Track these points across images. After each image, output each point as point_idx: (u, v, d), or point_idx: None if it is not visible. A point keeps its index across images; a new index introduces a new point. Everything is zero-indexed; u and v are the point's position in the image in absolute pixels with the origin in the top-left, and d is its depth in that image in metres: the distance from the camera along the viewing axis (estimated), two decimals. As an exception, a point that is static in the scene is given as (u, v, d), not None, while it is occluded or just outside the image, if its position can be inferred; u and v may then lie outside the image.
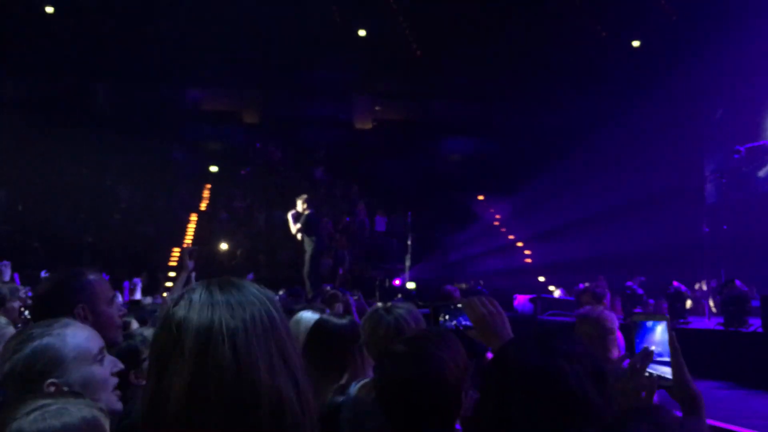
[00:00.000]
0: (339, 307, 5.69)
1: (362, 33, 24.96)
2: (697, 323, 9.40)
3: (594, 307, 4.38)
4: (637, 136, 19.05)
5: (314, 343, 3.03)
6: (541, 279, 18.92)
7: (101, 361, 1.95)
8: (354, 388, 2.64)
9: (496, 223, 23.11)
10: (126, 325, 3.79)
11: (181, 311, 1.29)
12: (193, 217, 21.88)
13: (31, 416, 1.44)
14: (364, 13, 24.80)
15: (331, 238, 19.24)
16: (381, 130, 26.68)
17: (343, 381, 2.83)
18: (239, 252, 19.88)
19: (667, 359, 1.72)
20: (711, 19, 17.28)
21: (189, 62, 23.86)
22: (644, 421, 1.15)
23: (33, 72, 23.59)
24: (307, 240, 12.39)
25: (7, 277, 5.98)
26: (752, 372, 7.29)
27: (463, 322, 2.29)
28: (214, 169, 24.58)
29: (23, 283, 8.24)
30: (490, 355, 2.20)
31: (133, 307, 6.23)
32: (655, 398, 1.78)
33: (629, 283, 10.21)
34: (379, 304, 3.17)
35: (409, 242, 17.15)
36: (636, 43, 23.02)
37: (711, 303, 11.60)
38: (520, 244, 21.75)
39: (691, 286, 12.83)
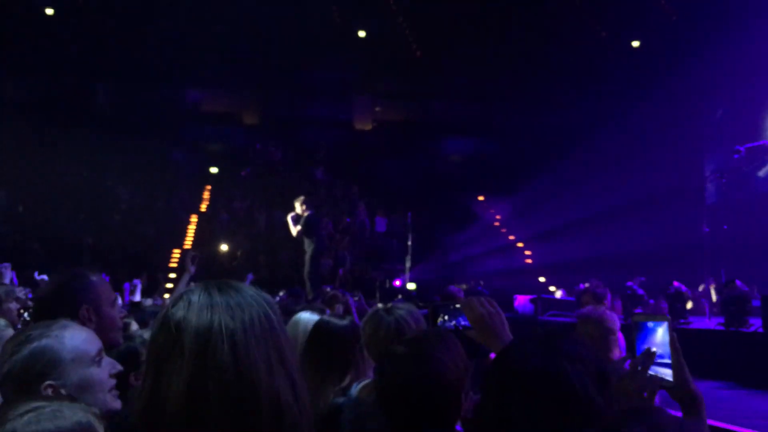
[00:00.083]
0: (339, 308, 5.69)
1: (362, 34, 24.97)
2: (697, 323, 9.40)
3: (595, 307, 4.38)
4: (637, 137, 19.06)
5: (315, 344, 3.03)
6: (542, 279, 18.91)
7: (99, 363, 1.95)
8: (355, 389, 2.64)
9: (497, 224, 23.11)
10: (126, 327, 3.79)
11: (179, 312, 1.29)
12: (194, 218, 21.88)
13: (25, 418, 1.43)
14: (363, 13, 24.81)
15: (331, 238, 19.24)
16: (381, 130, 26.68)
17: (344, 383, 2.83)
18: (239, 253, 19.88)
19: (668, 360, 1.71)
20: (710, 19, 17.28)
21: (189, 63, 23.88)
22: (641, 422, 1.15)
23: (33, 73, 23.60)
24: (307, 241, 12.39)
25: (7, 279, 5.97)
26: (753, 372, 7.29)
27: (463, 323, 2.28)
28: (214, 170, 24.58)
29: (23, 285, 8.24)
30: (493, 356, 2.20)
31: (134, 308, 6.23)
32: (657, 399, 1.78)
33: (630, 284, 10.20)
34: (380, 305, 3.17)
35: (409, 243, 17.15)
36: (636, 44, 23.03)
37: (713, 295, 11.58)
38: (520, 244, 21.75)
39: (691, 286, 12.82)
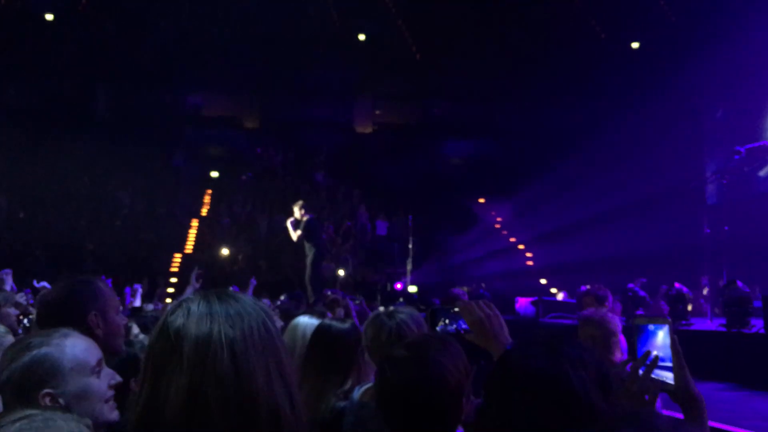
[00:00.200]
0: (340, 311, 5.69)
1: (362, 36, 25.00)
2: (699, 325, 9.38)
3: (596, 309, 4.38)
4: (637, 138, 19.05)
5: (317, 347, 3.03)
6: (543, 281, 18.89)
7: (99, 373, 1.94)
8: (357, 393, 2.64)
9: (498, 226, 23.11)
10: (127, 330, 3.78)
11: (178, 320, 1.29)
12: (194, 223, 21.89)
13: (17, 425, 1.43)
14: (363, 16, 24.84)
15: (332, 242, 19.24)
16: (381, 133, 26.69)
17: (346, 386, 2.83)
18: (240, 257, 19.88)
19: (669, 363, 1.71)
20: (710, 20, 17.29)
21: (189, 67, 23.90)
22: (635, 425, 1.14)
23: (34, 78, 23.62)
24: (307, 245, 12.39)
25: (8, 286, 5.98)
26: (755, 373, 7.27)
27: (464, 326, 2.28)
28: (214, 174, 24.60)
29: (22, 291, 8.24)
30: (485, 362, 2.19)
31: (134, 313, 6.23)
32: (658, 402, 1.77)
33: (631, 285, 10.18)
34: (381, 308, 3.16)
35: (410, 246, 17.13)
36: (635, 45, 23.04)
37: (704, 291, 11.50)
38: (521, 246, 21.74)
39: (692, 288, 12.80)
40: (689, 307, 10.04)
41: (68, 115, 23.25)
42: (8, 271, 6.27)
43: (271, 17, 23.41)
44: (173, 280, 18.22)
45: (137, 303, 7.48)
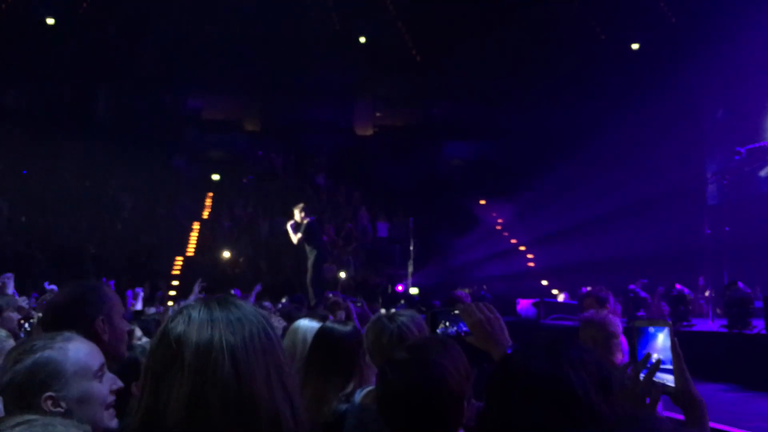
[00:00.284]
0: (341, 314, 5.69)
1: (362, 39, 25.02)
2: (700, 326, 9.37)
3: (597, 311, 4.38)
4: (638, 138, 19.05)
5: (318, 350, 3.03)
6: (544, 282, 18.88)
7: (101, 378, 1.94)
8: (358, 396, 2.64)
9: (499, 227, 23.10)
10: (129, 334, 3.78)
11: (180, 326, 1.30)
12: (196, 225, 21.89)
13: (16, 430, 1.44)
14: (363, 18, 24.86)
15: (333, 244, 19.23)
16: (382, 135, 26.70)
17: (348, 389, 2.83)
18: (242, 259, 19.88)
19: (669, 366, 1.71)
20: (710, 21, 17.30)
21: (189, 70, 23.94)
22: (635, 428, 1.15)
23: (34, 82, 23.67)
24: (308, 248, 12.39)
25: (10, 290, 5.98)
26: (756, 374, 7.27)
27: (464, 329, 2.27)
28: (215, 176, 24.61)
29: (25, 294, 8.25)
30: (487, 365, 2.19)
31: (136, 317, 6.23)
32: (660, 405, 1.77)
33: (632, 287, 10.18)
34: (383, 311, 3.16)
35: (411, 248, 17.12)
36: (635, 46, 23.05)
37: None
38: (522, 248, 21.73)
39: (693, 289, 12.80)
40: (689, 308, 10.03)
41: (69, 118, 23.27)
42: (9, 275, 6.26)
43: (271, 19, 23.44)
44: (175, 282, 18.23)
45: (138, 306, 7.48)
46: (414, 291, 16.31)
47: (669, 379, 1.71)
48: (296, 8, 23.80)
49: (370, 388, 2.61)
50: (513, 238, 22.23)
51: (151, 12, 23.16)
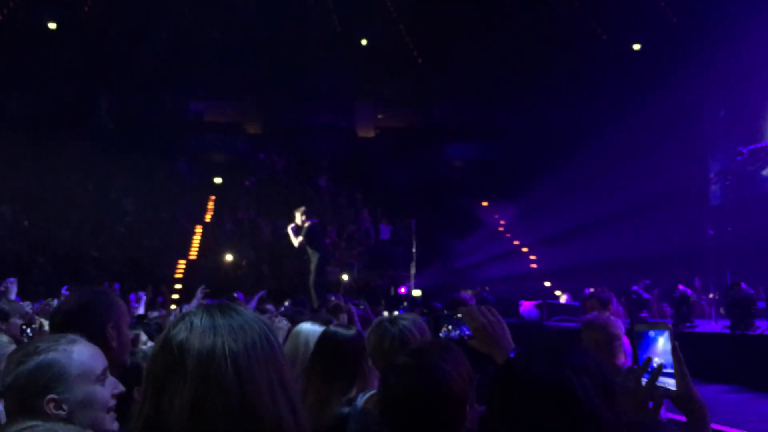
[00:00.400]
0: (344, 317, 5.69)
1: (363, 41, 25.05)
2: (703, 327, 9.36)
3: (599, 313, 4.37)
4: (640, 139, 19.04)
5: (322, 354, 3.03)
6: (547, 284, 18.86)
7: (103, 381, 1.94)
8: (361, 400, 2.64)
9: (501, 229, 23.08)
10: (135, 339, 3.78)
11: (181, 333, 1.30)
12: (198, 229, 21.91)
13: None
14: (364, 20, 24.88)
15: (335, 246, 19.23)
16: (383, 137, 26.72)
17: (351, 393, 2.83)
18: (244, 263, 19.89)
19: (670, 370, 1.71)
20: (711, 21, 17.28)
21: (191, 74, 23.98)
22: None
23: (36, 87, 23.71)
24: (310, 251, 12.40)
25: (13, 295, 5.99)
26: (760, 375, 7.25)
27: (467, 332, 2.27)
28: (218, 180, 24.63)
29: (30, 299, 8.25)
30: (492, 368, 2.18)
31: (140, 321, 6.23)
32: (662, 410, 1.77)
33: (635, 288, 10.16)
34: (386, 313, 3.17)
35: (413, 249, 17.12)
36: (637, 46, 23.04)
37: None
38: (525, 249, 21.71)
39: (695, 290, 12.78)
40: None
41: (71, 122, 23.33)
42: (13, 279, 6.27)
43: (271, 22, 23.47)
44: (178, 286, 18.24)
45: (141, 310, 7.49)
46: (417, 293, 16.30)
47: (670, 383, 1.71)
48: (297, 10, 23.84)
49: (372, 392, 2.61)
50: (516, 240, 22.22)
51: (152, 16, 23.20)
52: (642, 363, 1.75)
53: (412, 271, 17.28)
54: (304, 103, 25.78)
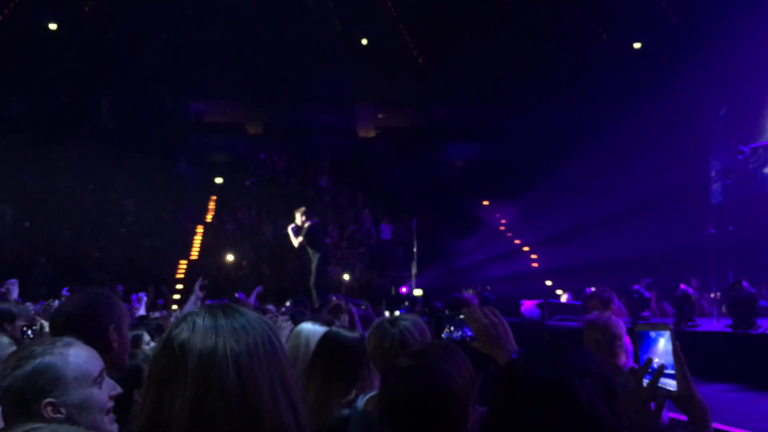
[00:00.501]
0: (345, 317, 5.68)
1: (363, 41, 25.05)
2: (705, 326, 9.35)
3: (600, 313, 4.36)
4: (641, 138, 19.02)
5: (323, 355, 3.03)
6: (548, 283, 18.85)
7: (100, 384, 1.94)
8: (361, 401, 2.64)
9: (502, 228, 23.08)
10: (137, 339, 3.78)
11: (183, 334, 1.30)
12: (199, 229, 21.92)
13: None
14: (364, 20, 24.88)
15: (336, 246, 19.24)
16: (384, 137, 26.73)
17: (351, 395, 2.83)
18: (245, 263, 19.89)
19: (671, 371, 1.71)
20: (712, 19, 17.26)
21: (191, 74, 23.98)
22: None
23: (36, 88, 23.73)
24: (311, 251, 12.40)
25: (14, 296, 5.99)
26: (761, 374, 7.24)
27: (469, 333, 2.26)
28: (219, 180, 24.65)
29: (31, 300, 8.26)
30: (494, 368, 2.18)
31: (141, 321, 6.22)
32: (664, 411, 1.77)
33: (636, 287, 10.15)
34: (387, 313, 3.16)
35: (414, 249, 17.11)
36: (637, 45, 23.02)
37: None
38: (526, 248, 21.70)
39: (697, 289, 12.75)
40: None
41: (71, 123, 23.35)
42: (14, 281, 6.27)
43: (272, 22, 23.48)
44: (179, 286, 18.24)
45: (142, 311, 7.48)
46: (418, 293, 16.29)
47: (671, 384, 1.70)
48: (297, 11, 23.84)
49: (372, 393, 2.61)
50: (517, 239, 22.22)
51: (153, 16, 23.20)
52: (643, 364, 1.74)
53: (413, 270, 17.27)
54: (305, 103, 25.78)
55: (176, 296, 16.92)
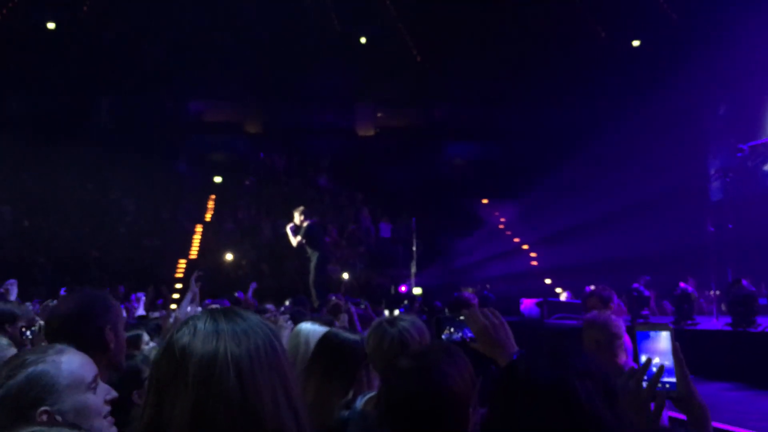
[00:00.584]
0: (344, 317, 5.68)
1: (363, 40, 25.04)
2: (705, 324, 9.34)
3: (600, 312, 4.36)
4: (640, 137, 19.03)
5: (323, 356, 3.03)
6: (548, 281, 18.86)
7: (95, 389, 1.93)
8: (360, 402, 2.63)
9: (501, 226, 23.09)
10: (137, 340, 3.78)
11: (184, 338, 1.30)
12: (199, 228, 21.92)
13: None
14: (363, 20, 24.87)
15: (335, 245, 19.23)
16: (383, 136, 26.72)
17: (349, 396, 2.82)
18: (244, 262, 19.89)
19: (671, 375, 1.70)
20: (710, 17, 17.27)
21: (190, 74, 23.97)
22: None
23: (35, 87, 23.71)
24: (310, 250, 12.41)
25: (14, 296, 5.99)
26: (761, 372, 7.23)
27: (469, 334, 2.26)
28: (218, 179, 24.64)
29: (30, 300, 8.26)
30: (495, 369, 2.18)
31: (141, 321, 6.22)
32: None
33: (636, 285, 10.14)
34: (386, 312, 3.16)
35: (414, 248, 17.12)
36: (636, 43, 23.01)
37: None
38: (525, 247, 21.71)
39: (696, 287, 12.75)
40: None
41: (71, 123, 23.34)
42: (13, 281, 6.28)
43: (271, 21, 23.46)
44: (178, 286, 18.24)
45: (141, 311, 7.49)
46: (417, 291, 16.30)
47: (671, 384, 1.70)
48: (296, 10, 23.82)
49: (371, 394, 2.60)
50: (516, 237, 22.22)
51: (152, 16, 23.18)
52: (642, 364, 1.74)
53: (413, 269, 17.27)
54: (304, 102, 25.77)
55: (175, 295, 16.93)
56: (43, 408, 1.80)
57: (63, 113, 23.71)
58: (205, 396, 1.24)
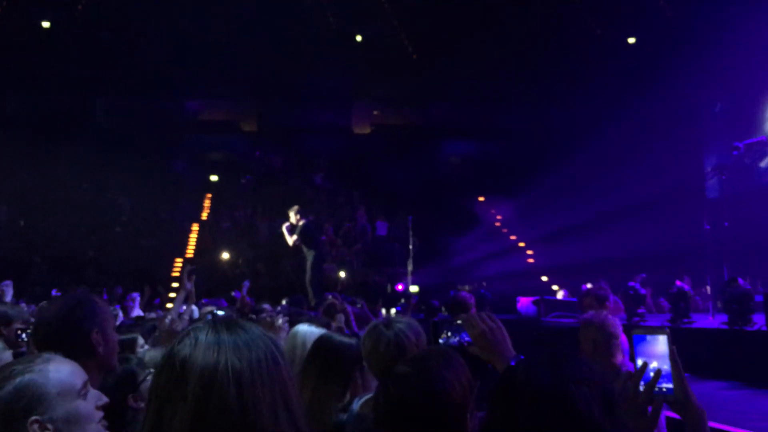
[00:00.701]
0: (341, 317, 5.68)
1: (359, 38, 25.02)
2: (701, 322, 9.35)
3: (596, 312, 4.36)
4: (636, 135, 19.05)
5: (318, 358, 3.02)
6: (544, 279, 18.88)
7: (85, 396, 1.92)
8: (356, 405, 2.63)
9: (498, 224, 23.10)
10: (132, 343, 3.77)
11: (185, 349, 1.29)
12: (195, 227, 21.89)
13: None
14: (360, 18, 24.85)
15: (332, 244, 19.23)
16: (380, 134, 26.72)
17: (345, 399, 2.82)
18: (241, 261, 19.87)
19: (668, 380, 1.70)
20: (706, 14, 17.28)
21: (187, 73, 23.92)
22: None
23: (32, 88, 23.65)
24: (306, 249, 12.41)
25: (9, 297, 5.97)
26: (757, 371, 7.23)
27: (466, 339, 2.26)
28: (214, 178, 24.61)
29: (26, 300, 8.23)
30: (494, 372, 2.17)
31: (137, 322, 6.20)
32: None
33: (632, 284, 10.15)
34: (384, 311, 3.16)
35: (411, 246, 17.12)
36: (632, 40, 23.02)
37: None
38: (522, 245, 21.72)
39: (693, 285, 12.78)
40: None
41: (67, 122, 23.29)
42: (8, 282, 6.27)
43: (268, 20, 23.42)
44: (175, 284, 18.21)
45: (136, 312, 7.47)
46: (414, 289, 16.29)
47: (667, 387, 1.70)
48: (293, 9, 23.79)
49: (367, 396, 2.60)
50: (512, 235, 22.24)
51: (149, 15, 23.13)
52: (638, 368, 1.74)
53: (409, 267, 17.26)
54: (301, 100, 25.75)
55: (172, 294, 16.91)
56: (33, 418, 1.78)
57: (59, 113, 23.66)
58: (204, 408, 1.23)
